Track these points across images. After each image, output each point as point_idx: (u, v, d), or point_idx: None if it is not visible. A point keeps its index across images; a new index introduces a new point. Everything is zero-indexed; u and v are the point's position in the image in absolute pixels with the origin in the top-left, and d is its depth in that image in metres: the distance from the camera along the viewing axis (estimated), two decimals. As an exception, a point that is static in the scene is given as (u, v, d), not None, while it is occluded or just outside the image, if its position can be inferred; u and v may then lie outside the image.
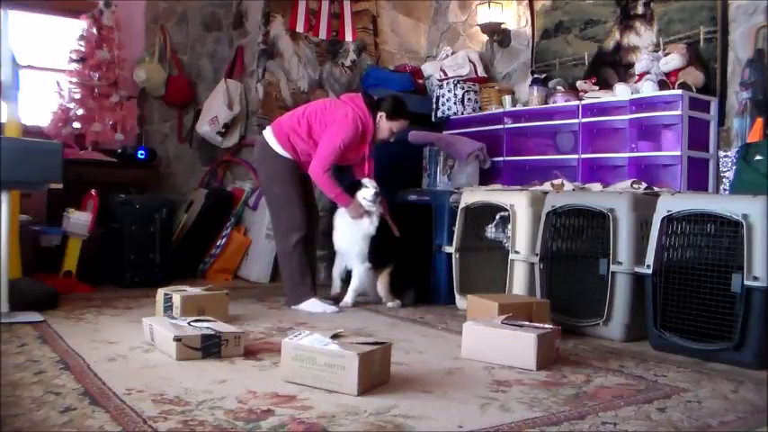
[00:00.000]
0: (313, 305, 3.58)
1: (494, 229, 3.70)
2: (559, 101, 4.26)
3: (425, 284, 4.04)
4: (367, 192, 3.67)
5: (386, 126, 3.71)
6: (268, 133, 3.70)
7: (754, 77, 3.55)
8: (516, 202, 3.57)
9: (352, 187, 3.73)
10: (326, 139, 3.58)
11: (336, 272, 3.90)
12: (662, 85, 3.77)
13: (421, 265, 4.05)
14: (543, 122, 4.31)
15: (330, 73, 5.38)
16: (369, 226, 3.70)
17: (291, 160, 3.65)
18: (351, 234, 3.72)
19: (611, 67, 4.35)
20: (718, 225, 2.74)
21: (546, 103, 4.37)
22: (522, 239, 3.51)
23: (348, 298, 3.74)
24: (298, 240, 3.62)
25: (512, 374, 2.36)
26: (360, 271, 3.74)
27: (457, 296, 3.83)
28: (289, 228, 3.63)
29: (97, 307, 3.45)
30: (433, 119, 4.91)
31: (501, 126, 4.53)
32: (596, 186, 3.73)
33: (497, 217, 3.68)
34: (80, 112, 4.75)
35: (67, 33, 4.90)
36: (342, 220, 3.77)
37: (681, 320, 2.79)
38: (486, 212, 3.78)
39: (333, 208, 3.96)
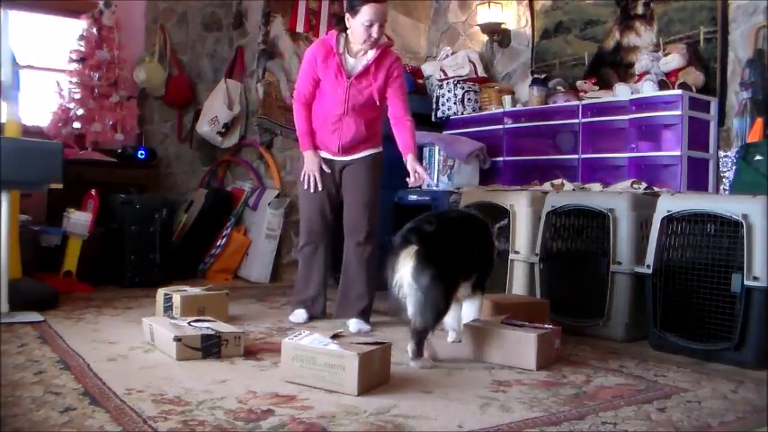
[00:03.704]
0: (293, 316, 3.26)
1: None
2: (559, 101, 4.26)
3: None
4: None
5: (356, 26, 3.02)
6: None
7: (754, 77, 3.54)
8: (516, 202, 3.57)
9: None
10: None
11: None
12: (662, 85, 3.77)
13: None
14: (543, 122, 4.31)
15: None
16: None
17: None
18: None
19: (611, 67, 4.35)
20: (718, 225, 2.74)
21: (546, 103, 4.37)
22: (522, 239, 3.51)
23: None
24: (302, 249, 3.31)
25: (512, 374, 2.36)
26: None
27: (457, 296, 3.82)
28: (302, 233, 3.33)
29: (97, 307, 3.45)
30: (433, 119, 4.91)
31: (501, 126, 4.53)
32: (596, 186, 3.73)
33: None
34: (80, 112, 4.75)
35: (67, 33, 4.91)
36: None
37: (681, 320, 2.79)
38: (486, 212, 3.77)
39: None
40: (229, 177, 5.48)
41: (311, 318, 3.24)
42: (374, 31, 2.99)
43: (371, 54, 3.08)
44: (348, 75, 3.10)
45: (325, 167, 3.20)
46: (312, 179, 3.19)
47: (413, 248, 2.45)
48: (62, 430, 1.66)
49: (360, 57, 3.12)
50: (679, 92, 3.63)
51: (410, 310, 2.48)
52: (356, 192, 3.20)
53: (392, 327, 3.23)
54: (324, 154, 3.22)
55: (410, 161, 3.11)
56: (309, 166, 3.19)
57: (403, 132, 3.16)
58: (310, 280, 3.28)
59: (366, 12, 2.97)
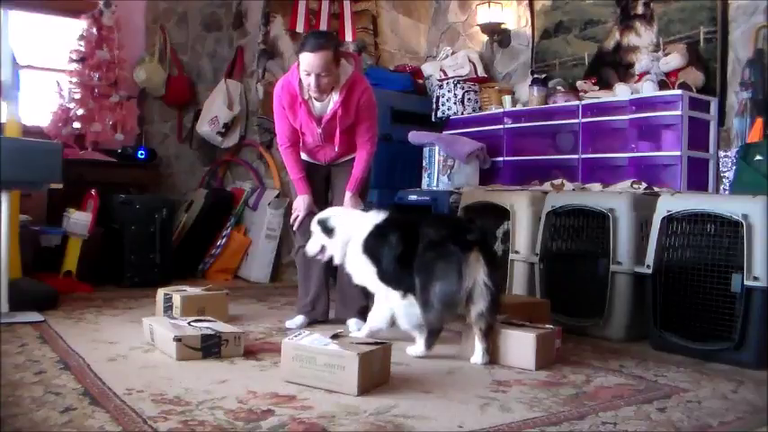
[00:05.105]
0: (290, 321, 3.20)
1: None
2: (559, 101, 4.25)
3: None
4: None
5: (300, 72, 2.89)
6: None
7: (754, 77, 3.54)
8: (516, 202, 3.57)
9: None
10: None
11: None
12: (662, 85, 3.77)
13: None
14: (543, 122, 4.30)
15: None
16: None
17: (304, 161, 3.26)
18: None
19: (611, 67, 4.35)
20: (718, 225, 2.74)
21: (546, 103, 4.36)
22: (522, 239, 3.51)
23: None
24: (298, 251, 3.25)
25: (512, 374, 2.36)
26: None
27: (457, 296, 3.82)
28: (296, 235, 3.26)
29: (97, 307, 3.45)
30: (433, 119, 4.91)
31: (501, 126, 4.53)
32: (596, 186, 3.73)
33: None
34: (80, 112, 4.75)
35: (67, 33, 4.91)
36: None
37: (681, 320, 2.79)
38: (486, 212, 3.78)
39: None
40: (229, 177, 5.48)
41: (313, 322, 3.19)
42: (312, 80, 2.83)
43: (336, 97, 2.95)
44: (318, 120, 3.02)
45: (315, 209, 3.13)
46: (299, 220, 3.17)
47: (479, 251, 2.47)
48: (62, 430, 1.66)
49: (325, 99, 2.99)
50: (679, 92, 3.63)
51: (477, 309, 2.46)
52: (343, 192, 3.16)
53: (391, 326, 3.22)
54: (312, 160, 3.24)
55: (348, 200, 3.12)
56: (299, 209, 3.17)
57: (358, 160, 3.13)
58: (309, 283, 3.25)
59: (303, 60, 2.83)
